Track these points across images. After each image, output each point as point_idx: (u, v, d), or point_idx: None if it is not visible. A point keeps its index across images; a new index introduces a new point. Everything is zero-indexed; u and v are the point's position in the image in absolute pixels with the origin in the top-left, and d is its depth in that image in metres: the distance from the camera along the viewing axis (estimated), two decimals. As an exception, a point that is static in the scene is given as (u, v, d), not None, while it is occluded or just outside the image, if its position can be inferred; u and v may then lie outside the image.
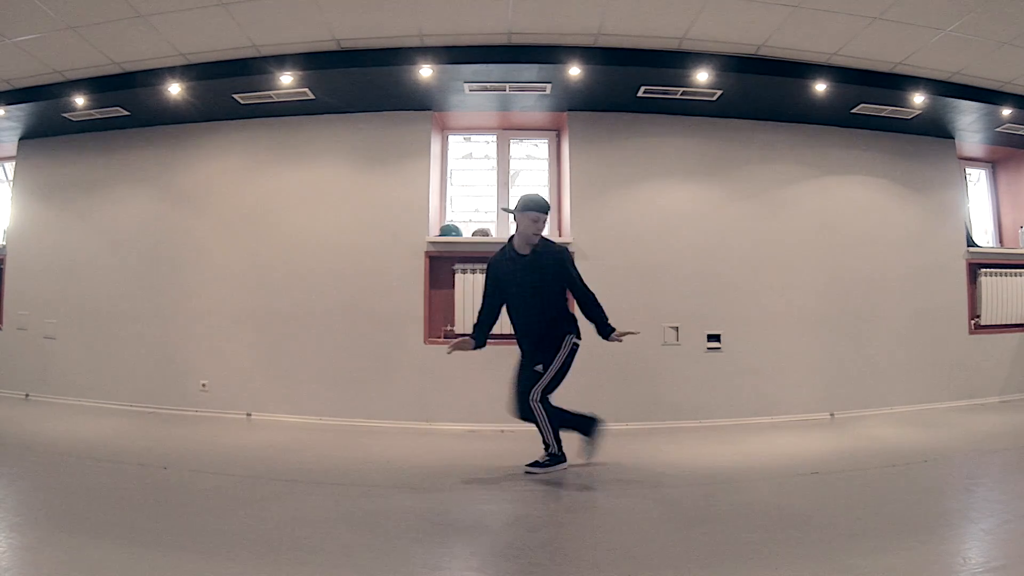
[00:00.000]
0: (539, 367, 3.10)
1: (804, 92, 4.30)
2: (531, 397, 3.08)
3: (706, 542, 2.16)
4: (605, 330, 3.16)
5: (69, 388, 4.95)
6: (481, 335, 3.21)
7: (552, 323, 3.15)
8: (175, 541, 2.09)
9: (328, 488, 2.83)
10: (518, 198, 3.20)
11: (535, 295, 3.13)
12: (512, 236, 3.21)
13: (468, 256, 4.59)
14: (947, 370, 5.01)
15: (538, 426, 3.12)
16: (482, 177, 5.21)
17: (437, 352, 4.51)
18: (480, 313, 3.23)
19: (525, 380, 3.12)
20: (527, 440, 3.35)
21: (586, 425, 3.23)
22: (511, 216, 3.20)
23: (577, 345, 3.18)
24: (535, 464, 3.11)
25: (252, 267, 4.74)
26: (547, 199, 3.26)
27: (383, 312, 4.56)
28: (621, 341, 3.16)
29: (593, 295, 3.18)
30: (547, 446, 3.15)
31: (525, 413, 3.12)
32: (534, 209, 3.11)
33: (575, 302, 3.20)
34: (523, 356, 3.21)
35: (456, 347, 3.18)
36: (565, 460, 3.15)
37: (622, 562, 1.96)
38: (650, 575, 1.88)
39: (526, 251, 3.14)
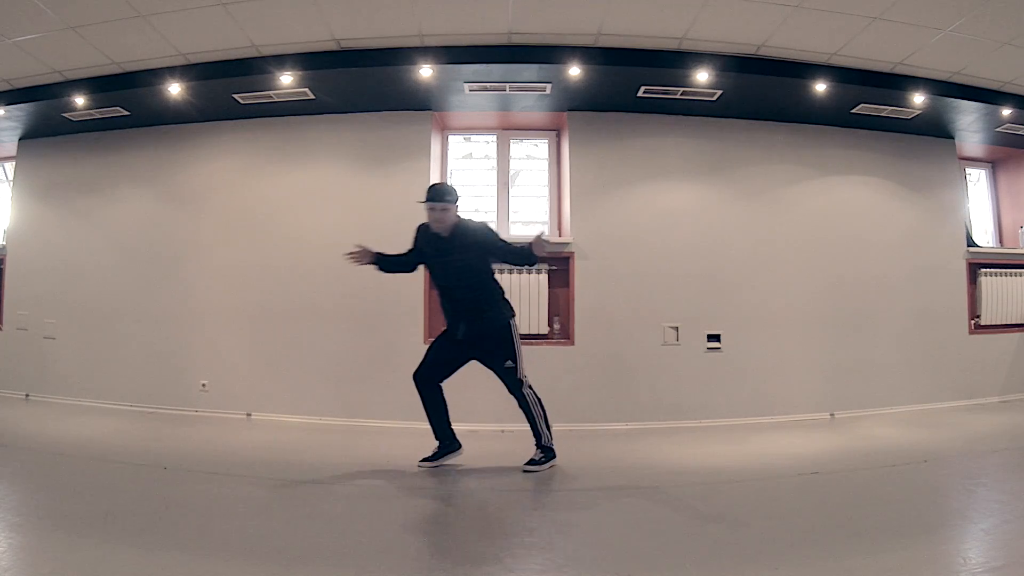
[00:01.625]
0: (509, 363, 3.15)
1: (804, 92, 4.30)
2: (524, 388, 3.15)
3: (706, 542, 2.16)
4: (531, 257, 3.13)
5: (69, 388, 4.95)
6: (387, 262, 3.26)
7: (490, 307, 3.17)
8: (175, 541, 2.09)
9: (328, 488, 2.83)
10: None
11: (463, 275, 3.13)
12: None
13: (468, 256, 4.59)
14: (947, 370, 5.01)
15: (531, 416, 3.18)
16: (482, 177, 5.21)
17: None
18: (399, 253, 3.27)
19: (509, 380, 3.17)
20: (527, 440, 3.34)
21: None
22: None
23: (516, 324, 3.24)
24: (532, 462, 3.14)
25: (252, 267, 4.74)
26: (452, 187, 3.21)
27: (383, 312, 4.56)
28: (545, 252, 3.11)
29: (514, 247, 3.17)
30: (539, 437, 3.19)
31: (524, 406, 3.18)
32: (427, 199, 3.13)
33: (507, 264, 3.26)
34: (455, 340, 3.19)
35: (355, 256, 3.19)
36: (555, 455, 3.20)
37: (622, 562, 1.96)
38: (650, 575, 1.88)
39: (445, 233, 3.15)
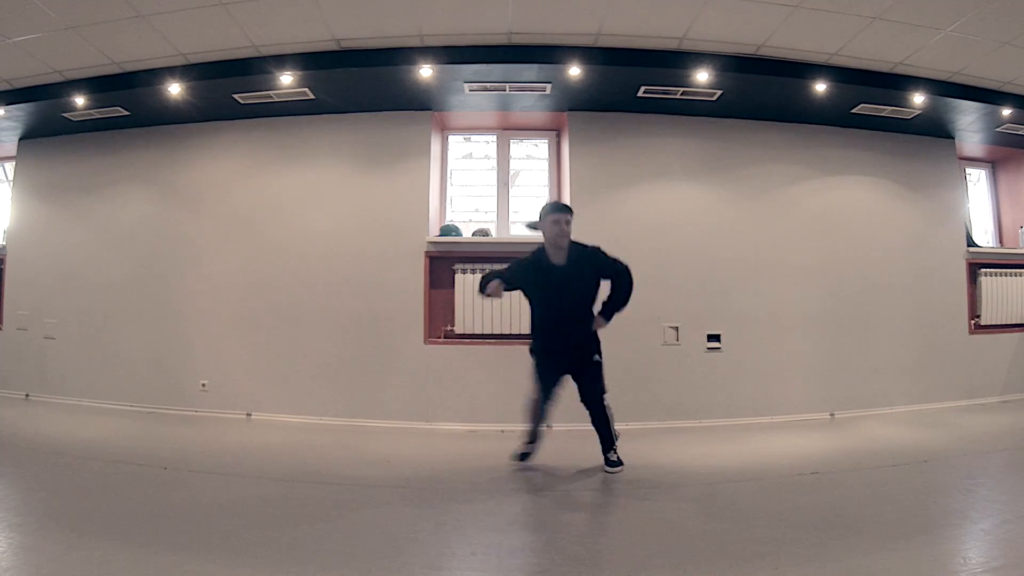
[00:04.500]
0: (596, 357, 3.13)
1: (804, 92, 4.30)
2: (605, 394, 3.13)
3: (706, 542, 2.16)
4: (609, 314, 3.15)
5: (69, 388, 4.96)
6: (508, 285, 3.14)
7: (592, 338, 3.17)
8: (175, 541, 2.09)
9: (328, 488, 2.83)
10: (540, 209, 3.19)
11: (578, 307, 3.10)
12: (542, 246, 3.15)
13: (468, 256, 4.59)
14: (947, 370, 5.01)
15: (606, 423, 3.17)
16: (482, 177, 5.21)
17: (437, 352, 4.51)
18: (503, 280, 3.11)
19: (592, 382, 3.11)
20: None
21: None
22: (539, 230, 3.17)
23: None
24: (610, 463, 3.14)
25: (252, 267, 4.74)
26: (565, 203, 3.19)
27: (383, 312, 4.56)
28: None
29: (630, 275, 3.15)
30: (615, 438, 3.20)
31: (601, 418, 3.15)
32: (553, 212, 3.10)
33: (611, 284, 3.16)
34: (550, 367, 3.16)
35: (493, 292, 3.08)
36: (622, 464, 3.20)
37: (622, 562, 1.96)
38: (650, 575, 1.88)
39: (561, 260, 3.09)
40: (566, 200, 4.72)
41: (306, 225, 4.71)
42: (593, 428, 3.19)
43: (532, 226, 3.22)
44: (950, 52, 3.96)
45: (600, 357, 3.14)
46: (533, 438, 3.31)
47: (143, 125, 4.93)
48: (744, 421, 4.50)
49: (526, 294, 3.19)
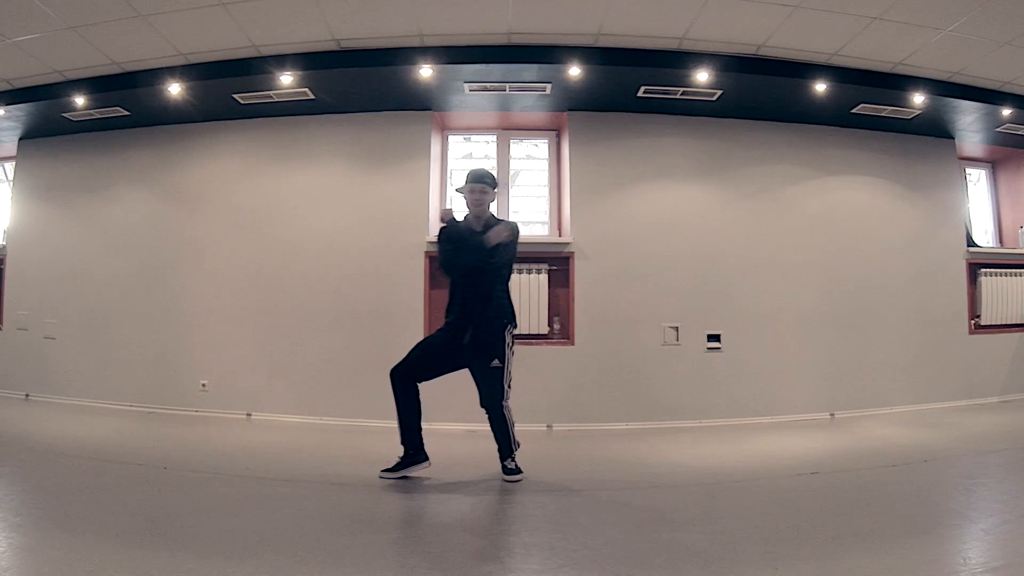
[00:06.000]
0: (495, 362, 2.98)
1: (804, 92, 4.31)
2: (504, 400, 3.01)
3: (706, 542, 2.16)
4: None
5: (69, 388, 4.96)
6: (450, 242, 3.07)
7: (495, 309, 3.01)
8: (175, 541, 2.09)
9: (328, 488, 2.83)
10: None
11: (487, 274, 2.99)
12: (466, 214, 3.12)
13: (468, 256, 4.59)
14: (947, 370, 5.01)
15: (505, 430, 3.02)
16: (482, 177, 5.20)
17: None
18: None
19: (491, 386, 3.00)
20: (528, 440, 3.34)
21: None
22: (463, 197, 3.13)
23: (513, 335, 3.07)
24: (510, 471, 3.02)
25: (252, 267, 4.74)
26: (491, 172, 3.12)
27: (383, 312, 4.56)
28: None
29: (501, 275, 3.05)
30: (514, 448, 3.05)
31: (499, 424, 3.02)
32: (468, 181, 3.08)
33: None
34: (457, 343, 2.98)
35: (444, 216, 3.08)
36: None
37: (622, 562, 1.96)
38: (650, 575, 1.88)
39: (479, 228, 3.03)
40: (566, 199, 4.73)
41: (306, 225, 4.71)
42: (492, 432, 3.05)
43: (458, 190, 3.19)
44: (950, 52, 3.96)
45: (501, 363, 2.98)
46: (412, 441, 3.03)
47: (143, 125, 4.93)
48: (744, 421, 4.50)
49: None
